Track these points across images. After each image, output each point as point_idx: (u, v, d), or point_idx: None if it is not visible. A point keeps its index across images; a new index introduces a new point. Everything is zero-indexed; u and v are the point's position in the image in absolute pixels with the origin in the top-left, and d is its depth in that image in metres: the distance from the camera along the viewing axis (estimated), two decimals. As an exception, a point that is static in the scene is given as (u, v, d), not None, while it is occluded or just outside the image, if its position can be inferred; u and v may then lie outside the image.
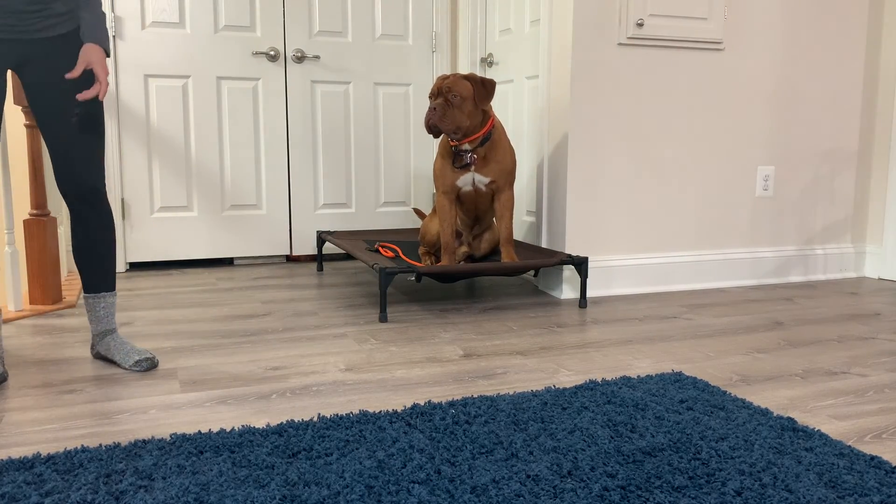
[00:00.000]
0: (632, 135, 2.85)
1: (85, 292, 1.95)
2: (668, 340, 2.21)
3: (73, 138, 1.82)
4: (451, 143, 2.61)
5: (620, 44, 2.77)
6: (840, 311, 2.63)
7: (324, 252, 3.80)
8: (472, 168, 2.61)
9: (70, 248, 3.29)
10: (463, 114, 2.52)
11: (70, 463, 1.30)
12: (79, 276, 3.13)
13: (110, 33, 3.24)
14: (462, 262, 2.79)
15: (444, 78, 2.54)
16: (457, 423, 1.49)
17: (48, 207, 2.72)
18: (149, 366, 1.90)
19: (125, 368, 1.91)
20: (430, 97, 2.57)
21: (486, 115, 2.61)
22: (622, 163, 2.85)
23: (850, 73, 3.20)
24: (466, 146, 2.58)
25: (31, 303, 2.59)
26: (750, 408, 1.60)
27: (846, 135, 3.23)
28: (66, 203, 1.89)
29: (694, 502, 1.18)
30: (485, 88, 2.55)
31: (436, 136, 2.57)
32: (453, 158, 2.61)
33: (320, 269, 3.45)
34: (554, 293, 2.86)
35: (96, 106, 1.84)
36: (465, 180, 2.63)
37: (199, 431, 1.45)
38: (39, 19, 1.76)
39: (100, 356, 1.97)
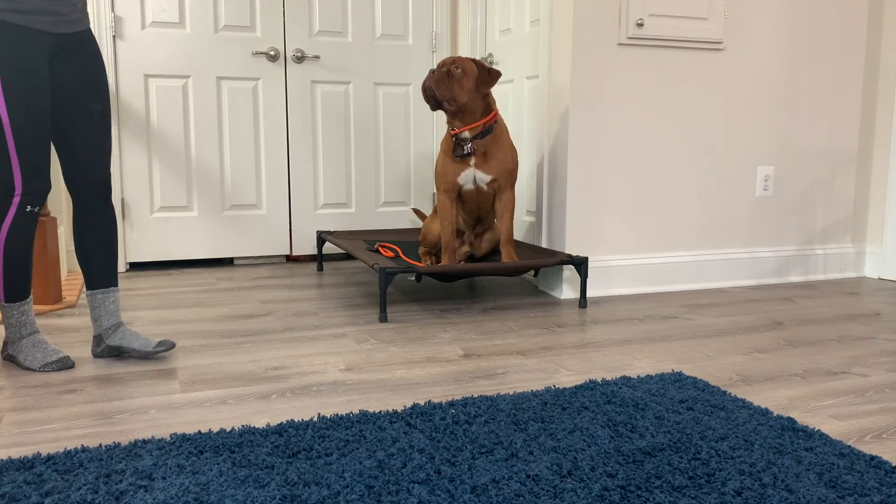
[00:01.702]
0: (632, 135, 2.85)
1: (92, 289, 1.98)
2: (668, 340, 2.21)
3: (93, 133, 1.91)
4: (452, 133, 2.60)
5: (620, 44, 2.77)
6: (840, 311, 2.63)
7: (324, 252, 3.80)
8: (472, 162, 2.60)
9: (70, 249, 3.29)
10: (462, 88, 2.53)
11: (70, 463, 1.31)
12: (80, 277, 3.13)
13: (110, 33, 3.24)
14: (462, 262, 2.79)
15: (450, 57, 2.60)
16: (457, 423, 1.49)
17: (48, 207, 2.71)
18: (171, 345, 1.97)
19: (148, 351, 1.95)
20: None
21: (489, 106, 2.61)
22: (622, 163, 2.85)
23: (850, 73, 3.20)
24: (466, 134, 2.58)
25: (31, 303, 2.59)
26: (750, 408, 1.60)
27: (846, 135, 3.23)
28: (76, 199, 1.94)
29: (694, 502, 1.18)
30: (489, 75, 2.58)
31: (432, 108, 2.57)
32: (453, 148, 2.60)
33: (320, 269, 3.45)
34: (554, 293, 2.86)
35: (109, 103, 1.94)
36: (467, 178, 2.63)
37: (199, 431, 1.45)
38: (74, 11, 1.84)
39: (111, 350, 1.98)
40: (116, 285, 2.01)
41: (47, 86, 1.80)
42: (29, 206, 1.81)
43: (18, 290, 1.87)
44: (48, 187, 1.84)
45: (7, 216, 1.80)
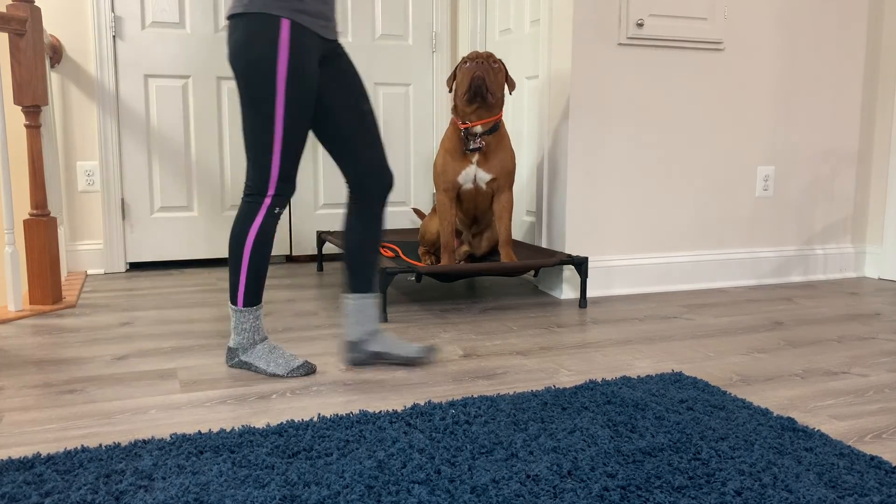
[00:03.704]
0: (631, 135, 2.85)
1: (356, 292, 1.92)
2: (668, 340, 2.21)
3: (372, 133, 1.88)
4: (462, 126, 2.60)
5: (620, 44, 2.77)
6: (840, 311, 2.63)
7: (324, 252, 3.80)
8: (475, 159, 2.61)
9: (70, 249, 3.29)
10: (499, 83, 2.59)
11: (70, 463, 1.30)
12: (80, 277, 3.13)
13: (110, 33, 3.24)
14: (462, 262, 2.79)
15: (478, 51, 2.62)
16: (457, 423, 1.49)
17: (48, 207, 2.72)
18: (434, 350, 1.95)
19: (412, 357, 1.91)
20: (467, 60, 2.57)
21: (501, 104, 2.66)
22: (622, 163, 2.85)
23: (850, 74, 3.20)
24: (478, 128, 2.59)
25: (31, 303, 2.59)
26: (750, 408, 1.60)
27: (846, 135, 3.23)
28: (361, 201, 1.89)
29: (694, 502, 1.18)
30: (511, 78, 2.67)
31: (471, 100, 2.54)
32: (465, 140, 2.60)
33: (320, 269, 3.45)
34: (554, 293, 2.86)
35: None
36: (467, 177, 2.62)
37: (199, 431, 1.45)
38: (335, 20, 1.85)
39: (371, 356, 1.93)
40: (377, 291, 1.96)
41: (316, 91, 1.81)
42: (277, 208, 1.80)
43: (256, 294, 1.84)
44: (294, 190, 1.84)
45: (257, 217, 1.79)
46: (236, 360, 1.88)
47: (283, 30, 1.69)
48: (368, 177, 1.88)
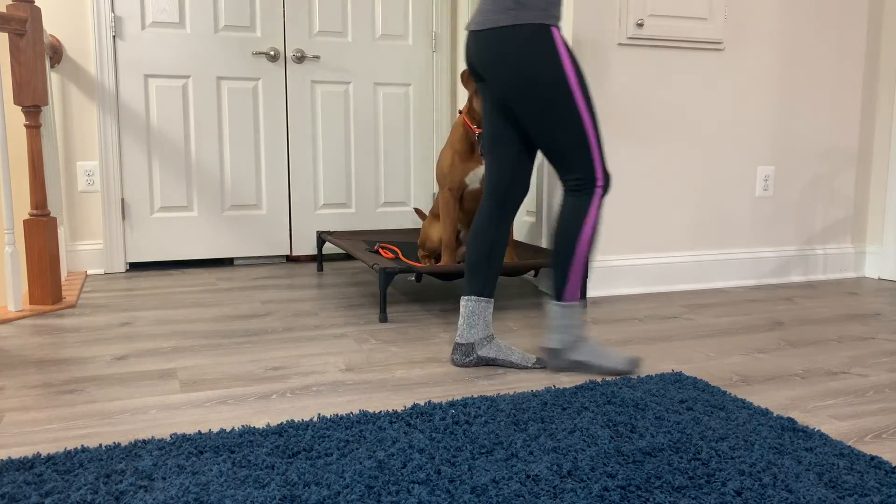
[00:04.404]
0: (632, 135, 2.85)
1: (478, 295, 1.92)
2: (669, 340, 2.21)
3: None
4: (477, 130, 2.58)
5: (620, 44, 2.77)
6: (840, 311, 2.63)
7: (324, 252, 3.80)
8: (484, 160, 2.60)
9: (70, 249, 3.29)
10: None
11: (70, 463, 1.30)
12: (80, 277, 3.13)
13: (110, 33, 3.24)
14: (462, 262, 2.79)
15: None
16: (457, 423, 1.49)
17: (48, 207, 2.72)
18: (545, 363, 1.92)
19: (528, 367, 1.91)
20: None
21: None
22: (622, 163, 2.85)
23: (850, 73, 3.20)
24: None
25: (31, 303, 2.59)
26: (750, 408, 1.60)
27: (846, 135, 3.23)
28: (501, 205, 1.97)
29: (694, 502, 1.18)
30: None
31: None
32: (478, 142, 2.58)
33: (320, 269, 3.45)
34: (554, 293, 2.86)
35: None
36: (475, 177, 2.62)
37: (199, 431, 1.45)
38: None
39: (481, 360, 1.92)
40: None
41: None
42: (605, 196, 1.82)
43: (582, 288, 1.82)
44: (611, 182, 1.84)
45: (590, 209, 1.77)
46: (566, 361, 1.86)
47: (556, 36, 1.79)
48: (523, 185, 1.93)
